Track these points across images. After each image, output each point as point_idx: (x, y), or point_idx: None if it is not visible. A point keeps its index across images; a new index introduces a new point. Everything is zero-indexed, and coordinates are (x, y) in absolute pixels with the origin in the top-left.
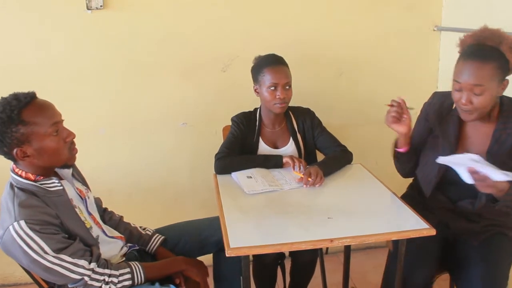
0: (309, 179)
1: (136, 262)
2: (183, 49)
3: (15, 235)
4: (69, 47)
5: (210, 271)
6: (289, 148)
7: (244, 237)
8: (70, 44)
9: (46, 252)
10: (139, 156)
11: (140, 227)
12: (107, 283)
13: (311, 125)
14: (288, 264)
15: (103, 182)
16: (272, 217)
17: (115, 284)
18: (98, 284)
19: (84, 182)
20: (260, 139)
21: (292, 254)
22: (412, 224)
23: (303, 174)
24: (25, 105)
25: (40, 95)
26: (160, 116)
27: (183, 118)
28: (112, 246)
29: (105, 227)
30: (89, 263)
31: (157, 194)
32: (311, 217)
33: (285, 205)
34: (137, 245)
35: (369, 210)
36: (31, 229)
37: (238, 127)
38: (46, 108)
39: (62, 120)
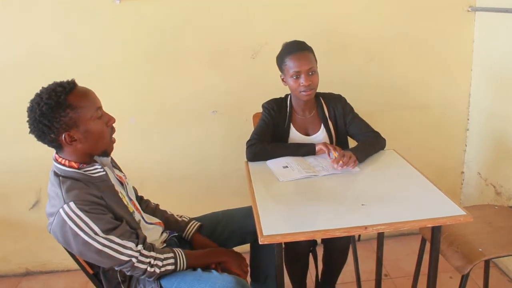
0: (341, 161)
1: (179, 249)
2: (213, 36)
3: (66, 218)
4: (99, 37)
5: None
6: (320, 135)
7: (277, 224)
8: (100, 34)
9: (96, 233)
10: (169, 145)
11: (177, 215)
12: (152, 266)
13: (342, 111)
14: (320, 251)
15: (135, 172)
16: (305, 204)
17: (159, 267)
18: (144, 266)
19: (121, 170)
20: (291, 126)
21: (325, 241)
22: (448, 211)
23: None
24: (70, 90)
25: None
26: (190, 104)
27: (213, 106)
28: (152, 232)
29: (143, 213)
30: (136, 245)
31: (188, 183)
32: (344, 203)
33: (318, 192)
34: (175, 232)
35: (403, 197)
36: (80, 210)
37: (269, 114)
38: (89, 93)
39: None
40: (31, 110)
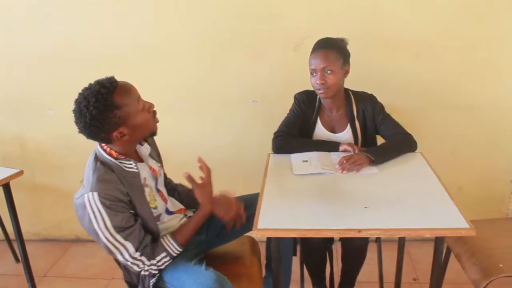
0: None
1: (168, 237)
2: (256, 27)
3: (87, 203)
4: (148, 26)
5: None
6: (346, 134)
7: (273, 219)
8: (149, 22)
9: (106, 228)
10: (210, 131)
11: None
12: (146, 270)
13: (372, 112)
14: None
15: (176, 156)
16: (309, 201)
17: (154, 270)
18: (138, 269)
19: (159, 159)
20: (318, 121)
21: (342, 238)
22: (451, 222)
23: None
24: (113, 90)
25: (120, 70)
26: (231, 92)
27: (253, 96)
28: (171, 223)
29: (170, 201)
30: (136, 250)
31: (227, 170)
32: (348, 204)
33: (327, 190)
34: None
35: (410, 203)
36: (101, 202)
37: (299, 105)
38: (129, 88)
39: None
40: (79, 113)
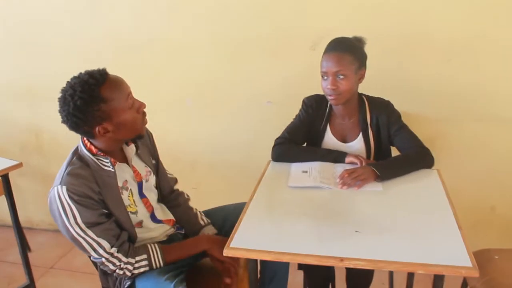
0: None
1: (156, 245)
2: (272, 25)
3: (56, 197)
4: (164, 21)
5: None
6: (357, 144)
7: (251, 237)
8: (165, 18)
9: (76, 223)
10: (223, 130)
11: (201, 215)
12: (121, 268)
13: (387, 121)
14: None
15: (188, 153)
16: (295, 219)
17: (130, 270)
18: (113, 268)
19: (151, 163)
20: (328, 129)
21: None
22: (452, 257)
23: None
24: (102, 82)
25: (135, 67)
26: (245, 92)
27: (268, 96)
28: (155, 233)
29: (158, 209)
30: (111, 246)
31: (239, 169)
32: (338, 226)
33: (319, 208)
34: (190, 233)
35: (409, 231)
36: (69, 197)
37: (306, 111)
38: (120, 83)
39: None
40: (63, 101)
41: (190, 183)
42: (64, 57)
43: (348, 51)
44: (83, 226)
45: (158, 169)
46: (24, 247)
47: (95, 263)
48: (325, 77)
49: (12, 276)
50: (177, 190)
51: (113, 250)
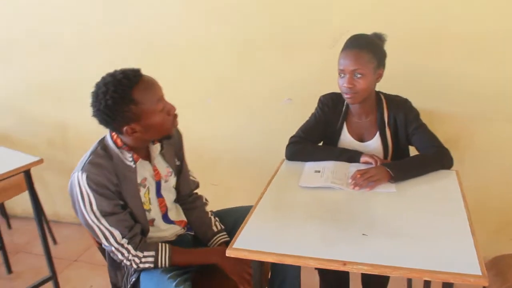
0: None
1: (167, 246)
2: (291, 23)
3: (75, 182)
4: (183, 22)
5: None
6: (374, 143)
7: (255, 238)
8: (184, 19)
9: (92, 210)
10: (243, 128)
11: (215, 220)
12: (128, 260)
13: (404, 120)
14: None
15: (209, 151)
16: (302, 220)
17: (136, 263)
18: (121, 258)
19: (174, 164)
20: (344, 127)
21: None
22: (461, 265)
23: None
24: (135, 83)
25: (156, 65)
26: (265, 90)
27: (288, 94)
28: (165, 233)
29: (172, 209)
30: (122, 237)
31: (259, 167)
32: (344, 229)
33: (328, 209)
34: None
35: (419, 235)
36: (88, 184)
37: (322, 110)
38: (152, 85)
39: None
40: (96, 98)
41: (212, 179)
42: (90, 56)
43: (366, 49)
44: (98, 214)
45: (181, 170)
46: (46, 240)
47: (104, 255)
48: (342, 75)
49: (38, 268)
50: (196, 193)
51: (124, 241)
